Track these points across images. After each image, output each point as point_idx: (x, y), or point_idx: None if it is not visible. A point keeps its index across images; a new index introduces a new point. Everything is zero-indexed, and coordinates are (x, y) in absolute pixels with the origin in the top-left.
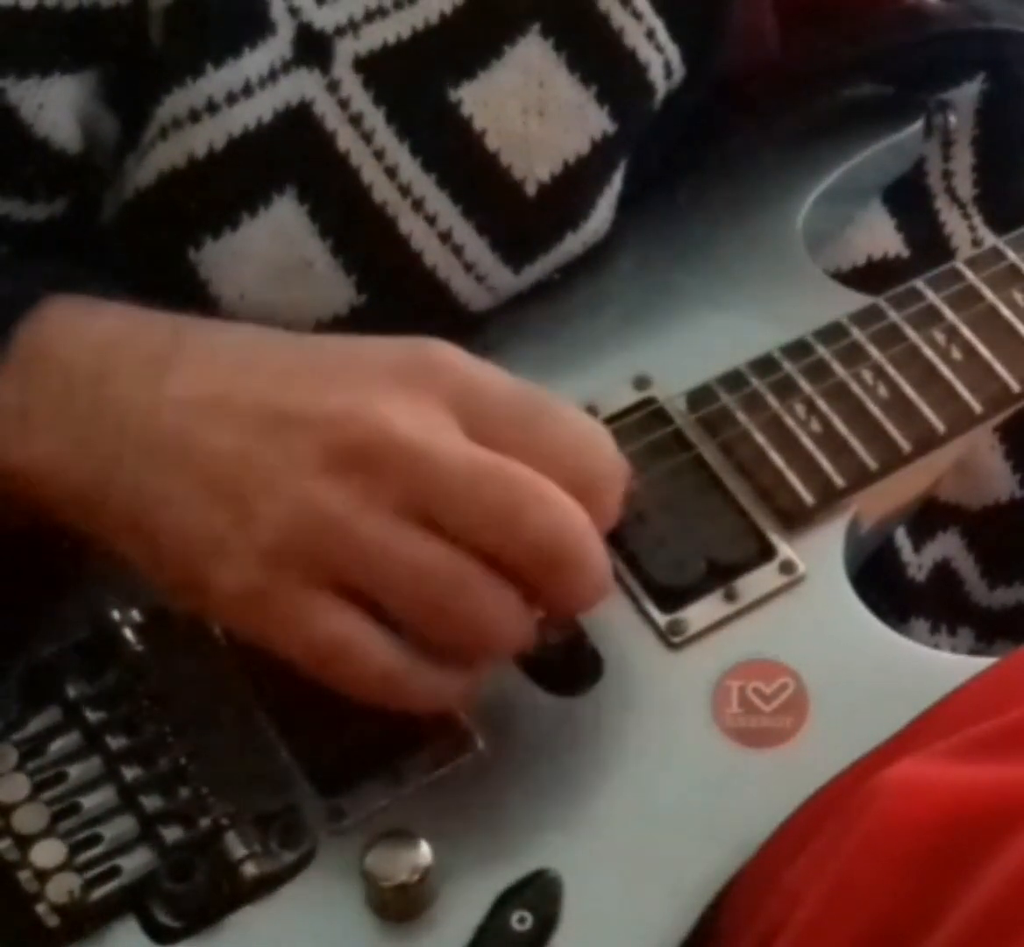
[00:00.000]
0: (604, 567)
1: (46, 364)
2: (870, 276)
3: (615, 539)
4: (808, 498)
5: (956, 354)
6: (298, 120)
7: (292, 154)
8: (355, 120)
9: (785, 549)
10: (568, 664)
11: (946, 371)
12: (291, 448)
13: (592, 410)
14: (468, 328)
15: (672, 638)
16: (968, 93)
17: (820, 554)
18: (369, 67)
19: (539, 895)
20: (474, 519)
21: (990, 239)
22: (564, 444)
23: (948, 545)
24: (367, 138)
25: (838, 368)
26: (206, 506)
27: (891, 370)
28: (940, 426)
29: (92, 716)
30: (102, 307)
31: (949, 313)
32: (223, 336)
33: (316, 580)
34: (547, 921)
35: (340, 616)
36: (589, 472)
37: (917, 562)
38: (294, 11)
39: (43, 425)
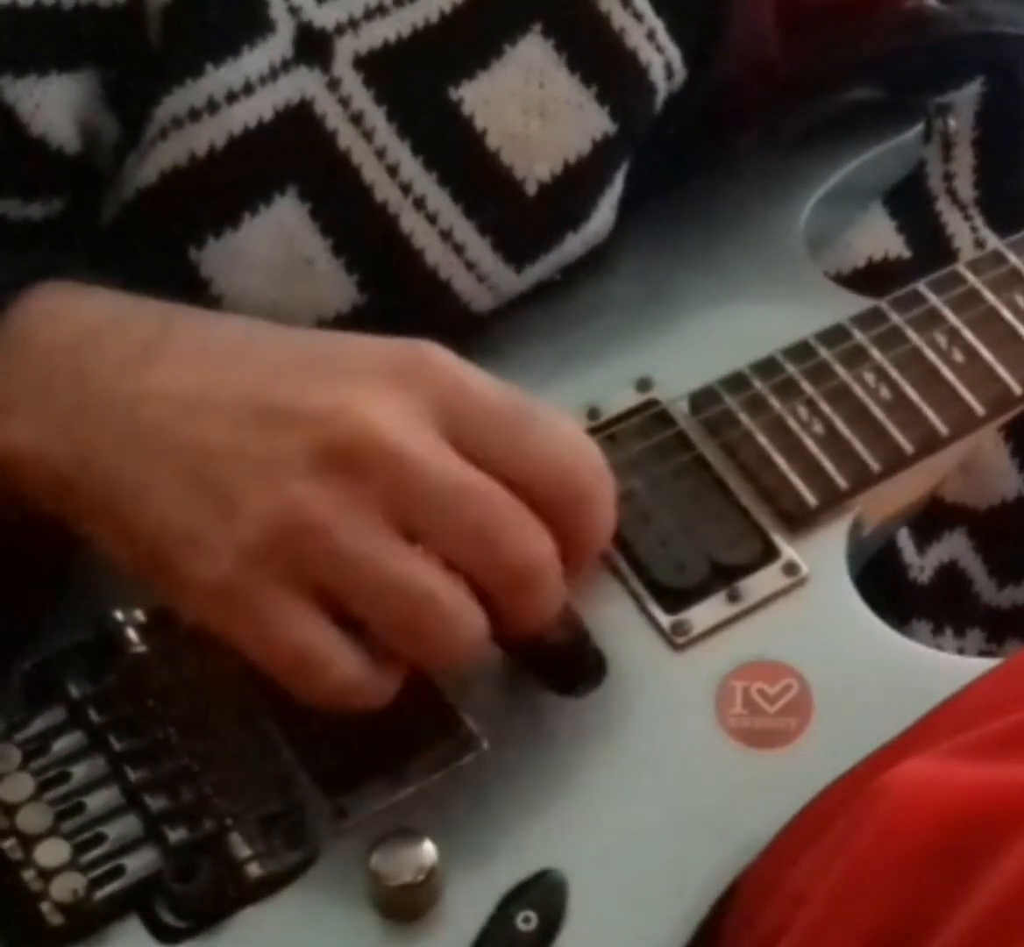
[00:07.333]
0: (558, 595)
1: (30, 350)
2: (871, 278)
3: (619, 540)
4: (811, 499)
5: (958, 356)
6: (299, 119)
7: (293, 153)
8: (356, 119)
9: (788, 550)
10: (572, 665)
11: (948, 373)
12: (277, 445)
13: (594, 412)
14: (470, 329)
15: (676, 639)
16: (968, 95)
17: (823, 555)
18: (369, 65)
19: (544, 895)
20: (453, 537)
21: (992, 240)
22: (549, 452)
23: (955, 546)
24: (368, 137)
25: (840, 370)
26: (186, 497)
27: (893, 372)
28: (942, 428)
29: (96, 716)
30: (90, 293)
31: (951, 316)
32: (213, 327)
33: (289, 580)
34: (552, 921)
35: (306, 623)
36: (573, 480)
37: (919, 564)
38: (294, 10)
39: (25, 411)
